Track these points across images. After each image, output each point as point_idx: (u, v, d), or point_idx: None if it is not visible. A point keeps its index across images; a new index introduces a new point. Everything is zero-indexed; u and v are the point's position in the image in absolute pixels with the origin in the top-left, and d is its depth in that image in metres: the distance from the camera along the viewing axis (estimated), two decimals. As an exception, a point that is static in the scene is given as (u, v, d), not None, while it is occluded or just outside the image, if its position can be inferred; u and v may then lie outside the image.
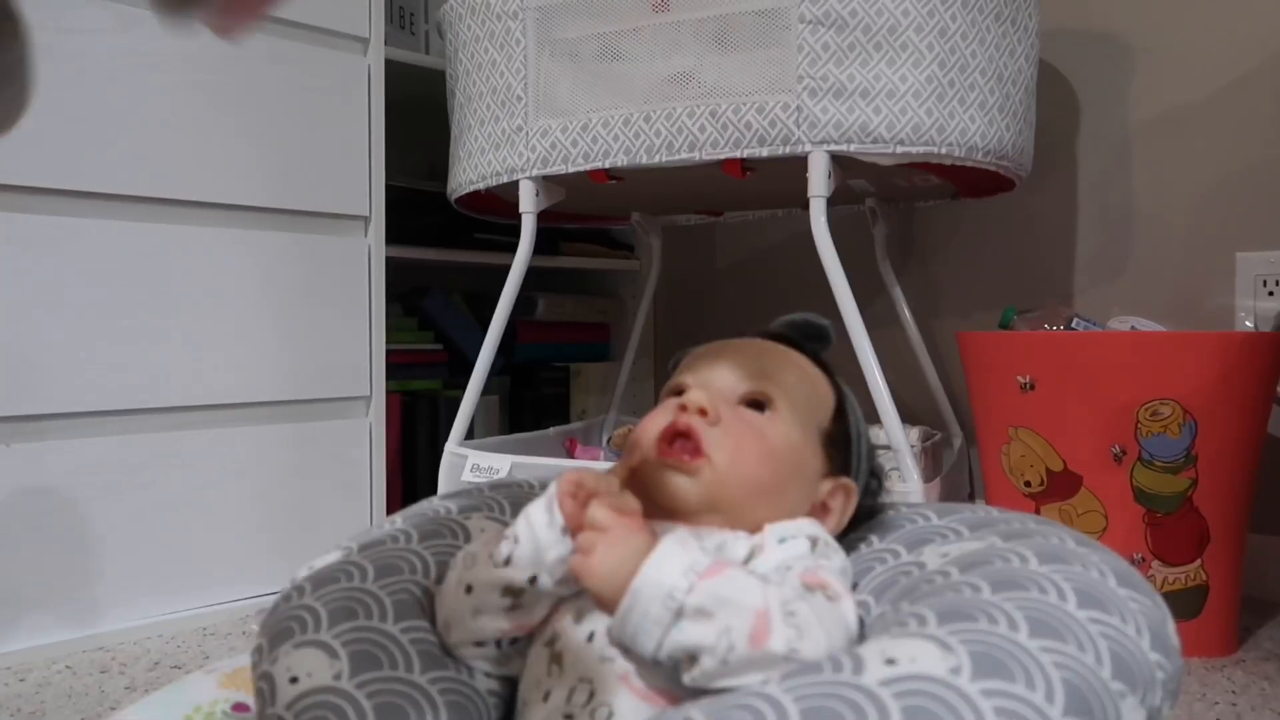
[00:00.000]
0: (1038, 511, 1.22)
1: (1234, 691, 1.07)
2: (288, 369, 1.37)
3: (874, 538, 0.64)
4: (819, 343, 0.68)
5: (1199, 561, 1.16)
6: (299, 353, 1.38)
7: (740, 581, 0.48)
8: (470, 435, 1.48)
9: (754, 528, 0.57)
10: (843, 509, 0.62)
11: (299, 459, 1.39)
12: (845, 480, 0.62)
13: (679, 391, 0.63)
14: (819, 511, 0.61)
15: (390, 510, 1.53)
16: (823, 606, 0.49)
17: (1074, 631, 0.44)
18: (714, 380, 0.62)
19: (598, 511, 0.51)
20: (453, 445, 1.43)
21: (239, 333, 1.32)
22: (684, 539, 0.51)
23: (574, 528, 0.53)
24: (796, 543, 0.55)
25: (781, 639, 0.46)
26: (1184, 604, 1.17)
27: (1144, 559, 1.17)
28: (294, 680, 0.53)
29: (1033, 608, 0.46)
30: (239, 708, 0.59)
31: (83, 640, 1.17)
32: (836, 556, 0.56)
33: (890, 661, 0.42)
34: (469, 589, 0.56)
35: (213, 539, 1.31)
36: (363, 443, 1.46)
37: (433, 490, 1.51)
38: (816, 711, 0.40)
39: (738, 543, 0.56)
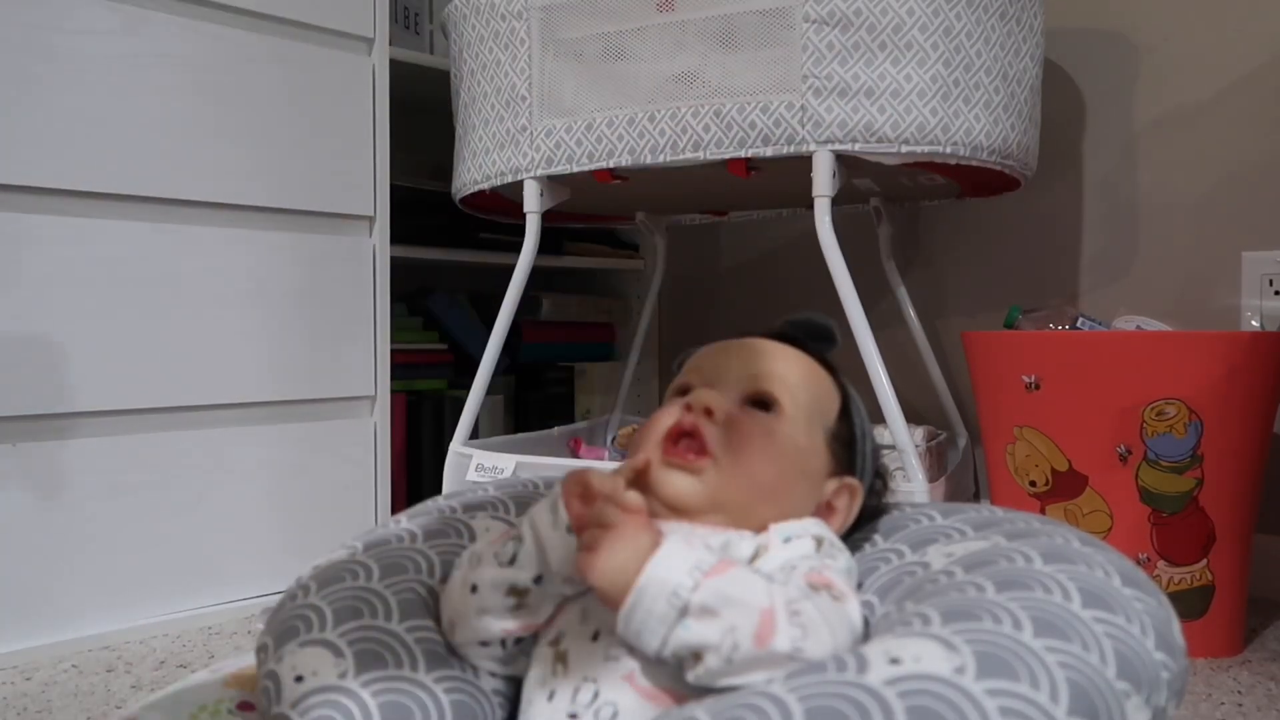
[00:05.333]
0: (1043, 511, 1.22)
1: (1240, 692, 1.07)
2: (292, 369, 1.37)
3: (878, 537, 0.64)
4: (824, 343, 0.68)
5: (1204, 561, 1.16)
6: (304, 352, 1.38)
7: (745, 580, 0.48)
8: (475, 435, 1.48)
9: (759, 527, 0.57)
10: (848, 509, 0.62)
11: (304, 458, 1.39)
12: (850, 480, 0.62)
13: (684, 391, 0.63)
14: (824, 512, 0.61)
15: (395, 510, 1.53)
16: (828, 606, 0.48)
17: (1079, 631, 0.44)
18: (719, 380, 0.62)
19: (603, 509, 0.51)
20: (458, 445, 1.43)
21: (244, 332, 1.32)
22: (689, 537, 0.51)
23: (579, 527, 0.53)
24: (801, 542, 0.55)
25: (786, 638, 0.46)
26: (1189, 604, 1.16)
27: (1149, 559, 1.17)
28: (299, 679, 0.53)
29: (1037, 607, 0.45)
30: (244, 706, 0.60)
31: (89, 639, 1.17)
32: (842, 556, 0.56)
33: (894, 661, 0.42)
34: (474, 588, 0.56)
35: (217, 538, 1.31)
36: (368, 442, 1.47)
37: (438, 490, 1.51)
38: (821, 711, 0.40)
39: (743, 542, 0.56)
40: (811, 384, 0.63)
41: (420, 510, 0.71)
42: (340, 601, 0.58)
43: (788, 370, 0.63)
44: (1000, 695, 0.40)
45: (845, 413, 0.65)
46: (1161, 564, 1.16)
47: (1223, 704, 1.04)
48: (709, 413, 0.58)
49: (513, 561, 0.55)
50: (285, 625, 0.58)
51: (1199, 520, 1.15)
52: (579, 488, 0.54)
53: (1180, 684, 0.47)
